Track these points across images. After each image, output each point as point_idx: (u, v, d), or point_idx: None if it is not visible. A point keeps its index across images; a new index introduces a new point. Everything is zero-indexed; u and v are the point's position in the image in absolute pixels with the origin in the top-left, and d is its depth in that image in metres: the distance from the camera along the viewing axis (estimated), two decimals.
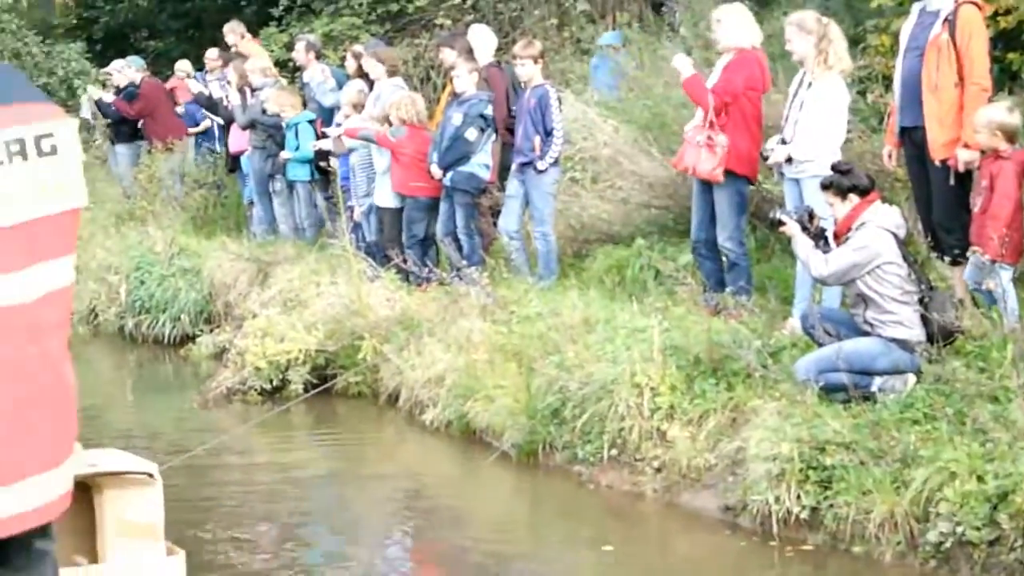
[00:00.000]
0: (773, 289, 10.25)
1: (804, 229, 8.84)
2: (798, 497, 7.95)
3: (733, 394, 8.90)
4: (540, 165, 11.98)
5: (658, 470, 8.98)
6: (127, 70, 19.21)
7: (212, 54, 19.48)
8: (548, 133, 11.99)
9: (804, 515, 7.93)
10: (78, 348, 3.39)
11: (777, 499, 7.99)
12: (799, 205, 9.48)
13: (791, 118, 9.96)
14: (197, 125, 18.81)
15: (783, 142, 9.93)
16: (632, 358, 9.34)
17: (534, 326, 10.70)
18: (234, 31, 18.21)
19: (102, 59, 24.15)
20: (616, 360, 9.47)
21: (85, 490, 6.27)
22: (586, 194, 13.12)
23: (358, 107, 14.07)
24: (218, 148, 18.40)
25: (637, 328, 9.78)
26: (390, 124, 13.10)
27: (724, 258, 10.49)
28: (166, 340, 15.45)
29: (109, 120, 19.57)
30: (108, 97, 19.25)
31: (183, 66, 19.79)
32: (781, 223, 8.98)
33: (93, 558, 6.49)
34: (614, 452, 9.25)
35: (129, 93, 18.88)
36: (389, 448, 11.32)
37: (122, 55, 21.27)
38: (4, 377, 3.60)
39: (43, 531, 3.83)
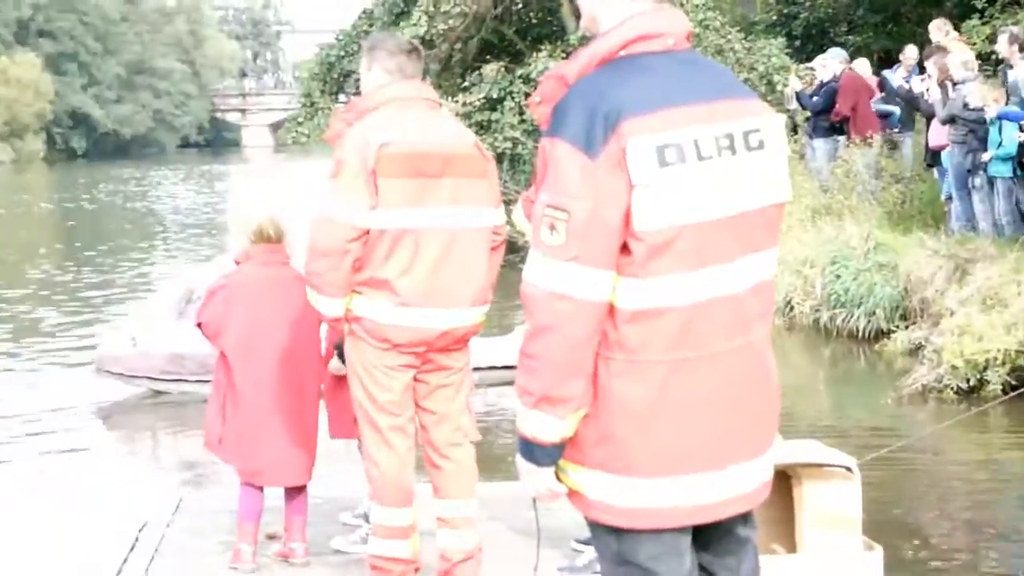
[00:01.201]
0: None
1: None
2: None
3: None
4: None
5: None
6: (830, 63, 19.33)
7: (910, 52, 19.30)
8: None
9: None
10: (774, 339, 3.46)
11: None
12: None
13: None
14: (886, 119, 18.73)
15: None
16: None
17: None
18: (940, 28, 17.94)
19: (800, 55, 24.40)
20: None
21: (784, 480, 6.36)
22: None
23: None
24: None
25: None
26: None
27: None
28: (860, 335, 15.40)
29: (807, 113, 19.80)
30: (808, 90, 19.50)
31: (862, 65, 19.71)
32: None
33: (790, 547, 6.58)
34: None
35: (829, 88, 19.00)
36: None
37: (821, 50, 21.41)
38: (715, 365, 3.69)
39: (745, 518, 3.92)
